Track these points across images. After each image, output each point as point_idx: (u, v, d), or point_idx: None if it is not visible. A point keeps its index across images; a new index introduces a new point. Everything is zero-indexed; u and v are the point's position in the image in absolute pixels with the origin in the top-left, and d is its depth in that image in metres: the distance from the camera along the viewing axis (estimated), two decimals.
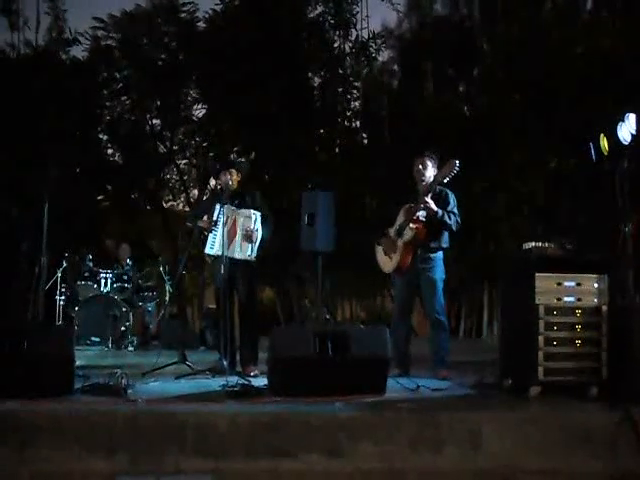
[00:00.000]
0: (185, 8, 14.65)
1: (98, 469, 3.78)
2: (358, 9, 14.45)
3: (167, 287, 10.43)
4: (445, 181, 5.80)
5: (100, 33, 14.67)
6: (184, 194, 16.24)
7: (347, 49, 14.71)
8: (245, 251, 6.04)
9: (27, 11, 14.92)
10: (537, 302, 4.77)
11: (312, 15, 14.48)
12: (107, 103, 15.05)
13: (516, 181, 11.59)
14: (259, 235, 6.07)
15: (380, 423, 4.00)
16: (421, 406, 4.45)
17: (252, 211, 6.10)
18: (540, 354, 4.73)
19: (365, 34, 14.65)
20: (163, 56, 14.73)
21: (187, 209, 15.84)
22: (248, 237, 6.03)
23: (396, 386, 5.03)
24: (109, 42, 14.73)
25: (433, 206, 5.78)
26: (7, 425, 3.85)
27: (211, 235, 6.13)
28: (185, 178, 16.13)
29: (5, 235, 6.41)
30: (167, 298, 10.50)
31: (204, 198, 14.83)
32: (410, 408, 4.27)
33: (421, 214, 5.84)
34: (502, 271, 5.61)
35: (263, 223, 6.13)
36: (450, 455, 3.92)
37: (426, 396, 4.89)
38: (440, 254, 6.02)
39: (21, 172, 10.97)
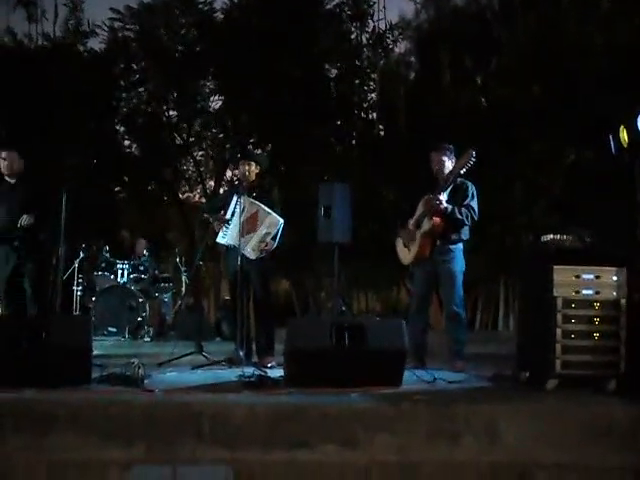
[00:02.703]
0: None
1: (115, 458, 3.80)
2: (375, 0, 14.43)
3: (183, 278, 10.48)
4: (462, 172, 5.77)
5: (117, 24, 14.74)
6: (200, 185, 16.28)
7: (364, 40, 14.69)
8: (251, 253, 6.03)
9: (45, 3, 15.03)
10: (555, 295, 4.73)
11: (329, 6, 14.46)
12: (124, 94, 15.11)
13: (534, 173, 11.52)
14: (273, 246, 6.08)
15: (396, 415, 3.98)
16: (437, 398, 4.43)
17: (280, 220, 6.07)
18: (558, 347, 4.69)
19: (382, 25, 14.63)
20: (180, 47, 14.75)
21: (203, 200, 15.88)
22: (265, 245, 6.02)
23: (412, 378, 5.01)
24: (126, 33, 14.79)
25: (443, 204, 5.77)
26: (26, 414, 3.88)
27: (224, 225, 6.13)
28: (202, 169, 16.17)
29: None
30: (183, 289, 10.54)
31: (221, 190, 14.88)
32: (426, 400, 4.25)
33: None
34: (520, 263, 5.57)
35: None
36: (466, 447, 3.90)
37: (442, 388, 4.88)
38: (460, 246, 5.99)
39: (39, 163, 11.02)
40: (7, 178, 6.37)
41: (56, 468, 3.78)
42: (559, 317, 4.72)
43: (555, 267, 4.76)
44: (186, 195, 16.89)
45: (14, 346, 4.43)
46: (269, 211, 6.06)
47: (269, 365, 5.82)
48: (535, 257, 5.24)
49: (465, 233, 6.00)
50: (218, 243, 6.29)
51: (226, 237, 6.12)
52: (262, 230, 6.03)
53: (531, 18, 12.46)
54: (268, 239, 6.02)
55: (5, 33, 14.57)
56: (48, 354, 4.47)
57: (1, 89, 12.71)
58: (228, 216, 6.13)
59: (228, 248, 6.20)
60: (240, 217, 6.01)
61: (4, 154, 6.35)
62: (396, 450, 3.87)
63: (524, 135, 11.61)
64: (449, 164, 5.99)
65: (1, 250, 6.24)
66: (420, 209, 5.97)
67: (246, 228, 6.01)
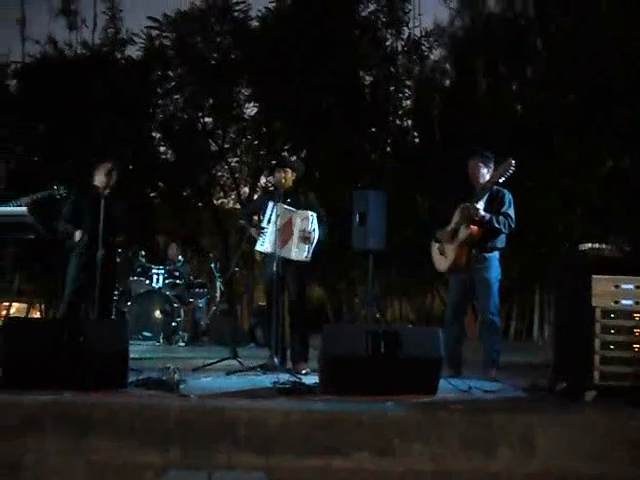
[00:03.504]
0: (238, 7, 14.81)
1: (151, 462, 3.83)
2: (410, 7, 14.43)
3: (218, 284, 10.54)
4: (501, 181, 5.74)
5: (154, 32, 14.92)
6: (235, 192, 16.37)
7: (399, 47, 14.67)
8: (302, 252, 6.04)
9: (85, 12, 15.29)
10: (594, 305, 4.67)
11: (364, 13, 14.48)
12: (160, 101, 15.28)
13: (570, 181, 11.40)
14: (316, 235, 6.07)
15: (432, 423, 3.96)
16: (473, 407, 4.40)
17: (309, 212, 6.10)
18: (596, 358, 4.62)
19: (417, 32, 14.61)
20: (216, 55, 14.88)
21: (237, 206, 15.98)
22: (306, 238, 6.02)
23: (447, 387, 4.98)
24: (163, 41, 14.97)
25: (481, 212, 5.74)
26: (64, 416, 3.93)
27: (261, 232, 6.17)
28: (236, 176, 16.26)
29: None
30: (218, 295, 10.60)
31: (255, 196, 14.95)
32: (462, 409, 4.22)
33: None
34: (557, 272, 5.50)
35: (319, 224, 6.14)
36: (502, 458, 3.87)
37: (478, 397, 4.84)
38: (496, 254, 5.96)
39: (78, 169, 11.20)
40: (102, 190, 6.50)
41: (94, 470, 3.81)
42: (598, 327, 4.65)
43: (594, 277, 4.69)
44: (220, 201, 17.01)
45: (54, 349, 4.49)
46: (300, 212, 6.10)
47: (303, 372, 5.83)
48: (573, 266, 5.17)
49: (501, 241, 5.96)
50: (257, 251, 6.32)
51: (264, 244, 6.15)
52: (296, 229, 6.06)
53: (567, 22, 12.33)
54: (306, 234, 6.03)
55: (47, 42, 14.86)
56: (85, 358, 4.53)
57: (42, 96, 12.97)
58: (264, 224, 6.16)
59: (266, 255, 6.22)
60: (276, 224, 6.04)
61: (109, 165, 6.50)
62: (431, 459, 3.85)
63: (560, 142, 11.49)
64: (486, 171, 5.96)
65: (83, 257, 6.35)
66: (457, 217, 5.94)
67: (283, 236, 6.04)
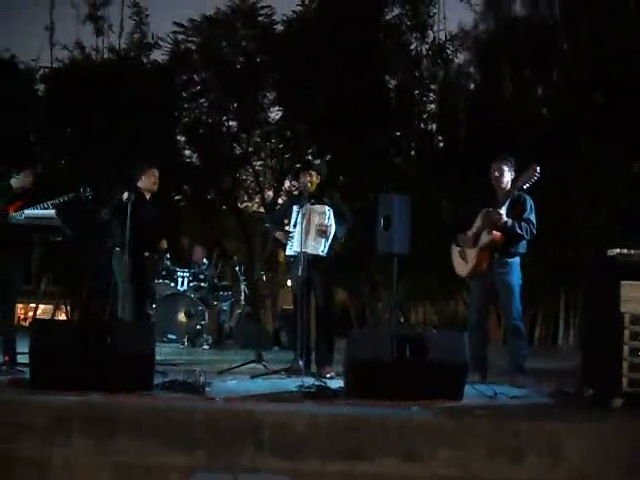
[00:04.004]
0: (263, 11, 14.85)
1: (177, 464, 3.86)
2: (435, 10, 14.38)
3: (242, 287, 10.57)
4: (526, 187, 5.71)
5: (180, 37, 15.01)
6: (259, 195, 16.41)
7: (424, 51, 14.63)
8: (318, 246, 6.08)
9: (111, 16, 15.46)
10: (623, 310, 4.62)
11: (389, 17, 14.46)
12: (185, 105, 15.36)
13: (596, 184, 11.29)
14: (332, 230, 6.09)
15: (457, 429, 3.94)
16: (499, 414, 4.38)
17: (326, 207, 6.13)
18: (625, 364, 4.58)
19: (442, 36, 14.56)
20: (241, 59, 14.94)
21: (262, 210, 16.02)
22: (322, 232, 6.07)
23: (473, 392, 4.96)
24: (188, 45, 15.05)
25: (504, 218, 5.71)
26: (92, 417, 3.97)
27: (289, 236, 6.21)
28: (260, 179, 16.30)
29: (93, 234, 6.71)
30: (242, 298, 10.63)
31: (279, 200, 14.99)
32: (488, 415, 4.20)
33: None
34: (584, 277, 5.46)
35: (339, 221, 6.15)
36: (529, 465, 3.84)
37: (504, 403, 4.81)
38: (517, 259, 5.94)
39: (106, 173, 11.32)
40: (145, 193, 6.57)
41: (120, 471, 3.85)
42: (627, 334, 4.60)
43: (623, 282, 4.64)
44: (245, 205, 17.05)
45: (82, 350, 4.54)
46: (315, 207, 6.15)
47: (328, 375, 5.82)
48: (601, 271, 5.12)
49: (523, 247, 5.95)
50: (287, 256, 6.35)
51: (292, 248, 6.18)
52: (314, 222, 6.11)
53: (592, 24, 12.23)
54: (322, 227, 6.07)
55: (74, 47, 15.03)
56: (112, 359, 4.57)
57: (70, 101, 13.11)
58: (290, 227, 6.19)
59: (293, 258, 6.24)
60: (302, 226, 6.06)
61: (156, 170, 6.60)
62: (457, 465, 3.83)
63: (586, 145, 11.40)
64: (508, 176, 5.94)
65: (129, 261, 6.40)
66: (479, 222, 5.91)
67: (306, 232, 6.09)
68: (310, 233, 6.11)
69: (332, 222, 6.11)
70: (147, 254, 6.55)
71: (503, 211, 5.77)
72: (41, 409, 3.99)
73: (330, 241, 6.12)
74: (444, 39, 14.56)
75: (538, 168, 5.57)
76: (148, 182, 6.66)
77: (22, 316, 17.52)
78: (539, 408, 4.83)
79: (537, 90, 14.64)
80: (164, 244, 7.12)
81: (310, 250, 6.07)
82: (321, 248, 6.08)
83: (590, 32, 12.26)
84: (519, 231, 5.78)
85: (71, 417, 3.96)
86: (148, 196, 6.62)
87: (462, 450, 3.85)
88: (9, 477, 3.81)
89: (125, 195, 6.32)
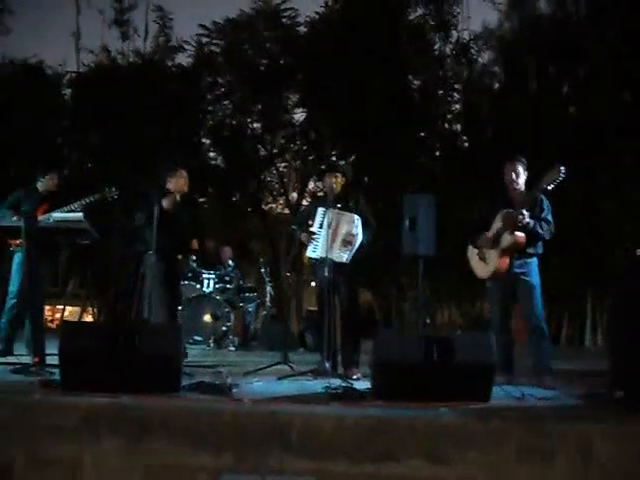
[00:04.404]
0: (286, 13, 14.89)
1: (205, 465, 3.86)
2: (459, 10, 14.34)
3: (267, 288, 10.60)
4: (550, 188, 5.64)
5: (204, 40, 15.10)
6: (283, 197, 16.45)
7: (447, 51, 14.58)
8: (343, 255, 6.05)
9: (136, 21, 15.61)
10: None
11: (412, 17, 14.43)
12: (210, 107, 15.44)
13: (625, 184, 11.17)
14: (359, 239, 6.07)
15: (486, 431, 3.90)
16: (527, 415, 4.33)
17: (355, 216, 6.10)
18: None
19: (466, 35, 14.51)
20: (264, 61, 14.99)
21: (286, 211, 16.05)
22: (348, 242, 6.04)
23: (501, 393, 4.91)
24: (212, 48, 15.14)
25: (527, 219, 5.67)
26: (121, 418, 3.99)
27: (313, 238, 6.18)
28: (285, 181, 16.34)
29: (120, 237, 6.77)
30: (267, 299, 10.65)
31: (304, 201, 15.00)
32: (516, 417, 4.16)
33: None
34: (614, 278, 5.40)
35: (364, 228, 6.13)
36: (559, 468, 3.79)
37: (532, 405, 4.76)
38: (535, 260, 5.90)
39: (131, 175, 11.40)
40: (177, 195, 6.64)
41: (149, 472, 3.87)
42: None
43: None
44: (269, 206, 17.10)
45: (110, 352, 4.57)
46: (345, 215, 6.10)
47: (355, 377, 5.81)
48: (631, 272, 5.06)
49: (540, 247, 5.90)
50: (308, 257, 6.34)
51: (316, 250, 6.16)
52: (342, 231, 6.08)
53: (619, 21, 12.09)
54: (349, 237, 6.05)
55: (100, 51, 15.20)
56: (140, 361, 4.60)
57: (96, 104, 13.24)
58: (315, 229, 6.17)
59: (318, 260, 6.23)
60: (328, 229, 6.05)
61: (185, 172, 6.64)
62: (486, 467, 3.79)
63: (614, 144, 11.27)
64: (524, 177, 5.90)
65: (162, 264, 6.41)
66: (498, 223, 5.86)
67: (332, 239, 6.05)
68: (336, 242, 6.07)
69: (359, 231, 6.08)
70: (180, 257, 6.55)
71: (525, 212, 5.71)
72: (71, 410, 4.02)
73: (355, 249, 6.10)
74: (468, 39, 14.54)
75: (562, 168, 5.50)
76: (178, 184, 6.68)
77: (49, 318, 17.72)
78: (568, 410, 4.77)
79: (563, 89, 14.53)
80: (195, 244, 7.13)
81: (335, 258, 6.06)
82: (345, 257, 6.07)
83: (617, 29, 12.12)
84: (540, 231, 5.74)
85: (101, 418, 3.98)
86: (178, 197, 6.65)
87: (490, 452, 3.81)
88: (40, 478, 3.84)
89: (165, 203, 6.35)
